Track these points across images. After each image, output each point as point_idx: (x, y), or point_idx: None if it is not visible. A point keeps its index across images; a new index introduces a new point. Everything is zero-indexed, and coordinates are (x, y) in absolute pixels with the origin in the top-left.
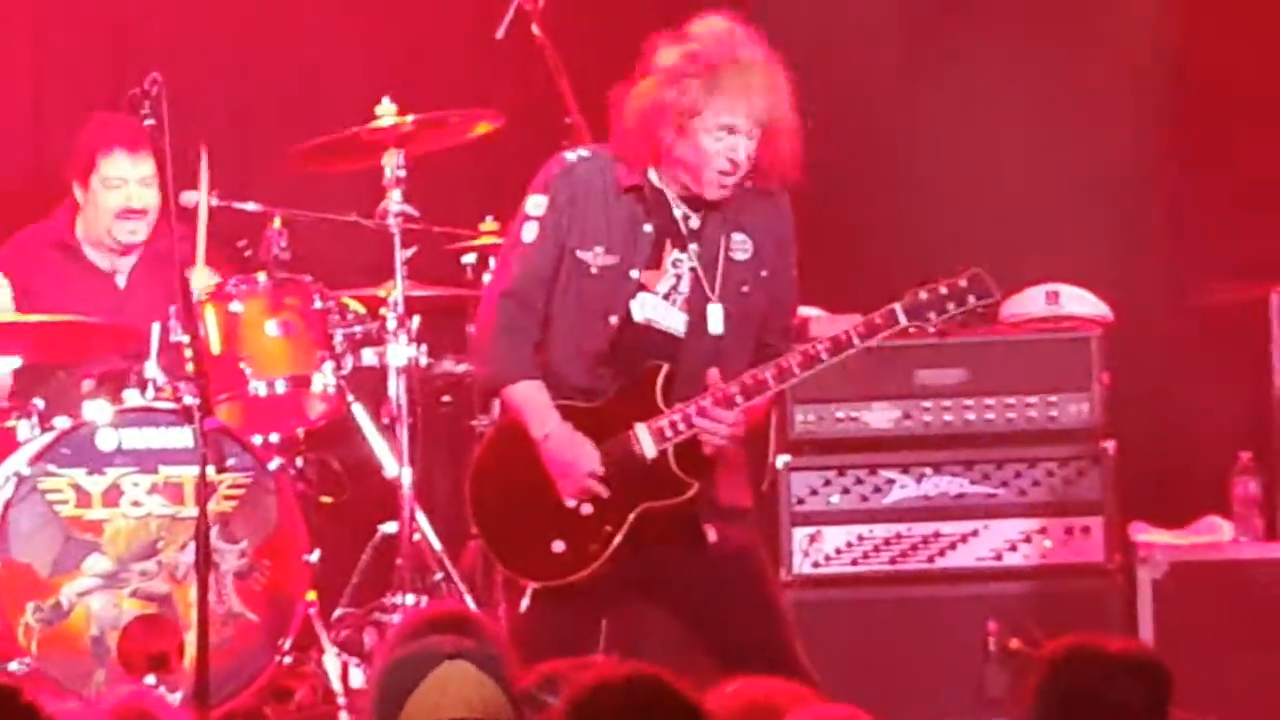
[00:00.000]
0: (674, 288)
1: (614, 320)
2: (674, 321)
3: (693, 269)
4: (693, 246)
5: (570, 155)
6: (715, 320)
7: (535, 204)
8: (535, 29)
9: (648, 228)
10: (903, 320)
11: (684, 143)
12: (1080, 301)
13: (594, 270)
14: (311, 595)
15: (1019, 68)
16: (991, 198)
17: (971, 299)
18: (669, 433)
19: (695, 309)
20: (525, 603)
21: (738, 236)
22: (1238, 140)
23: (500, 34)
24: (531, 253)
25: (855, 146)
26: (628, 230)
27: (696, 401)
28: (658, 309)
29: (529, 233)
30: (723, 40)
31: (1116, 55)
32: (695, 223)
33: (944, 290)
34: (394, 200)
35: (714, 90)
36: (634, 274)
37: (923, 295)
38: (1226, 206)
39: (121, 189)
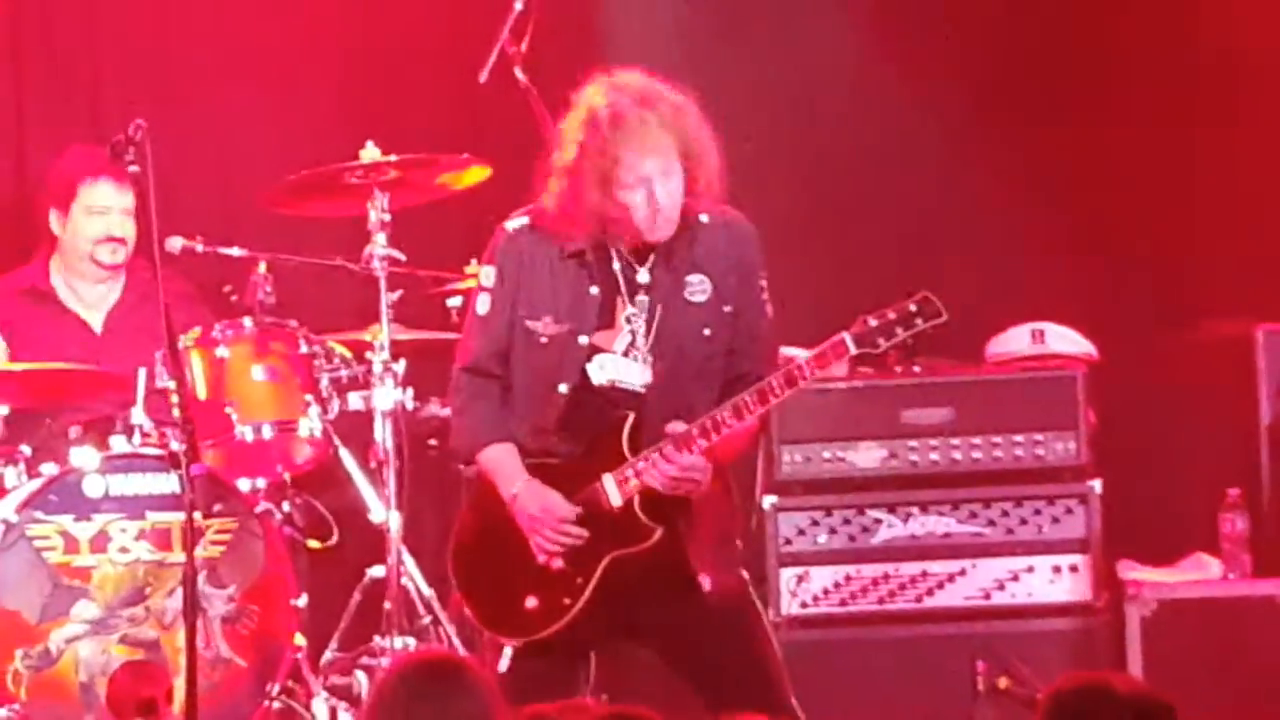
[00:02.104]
0: (631, 344)
1: (563, 388)
2: (635, 376)
3: (646, 320)
4: (641, 299)
5: (511, 225)
6: (675, 369)
7: (486, 275)
8: (519, 73)
9: (594, 290)
10: (852, 348)
11: (609, 202)
12: (1065, 340)
13: (543, 339)
14: (300, 640)
15: (1008, 104)
16: (977, 235)
17: (919, 322)
18: (632, 480)
19: (655, 360)
20: (504, 662)
21: (693, 278)
22: (1225, 177)
23: (483, 78)
24: (487, 325)
25: (844, 187)
26: (574, 295)
27: (658, 448)
28: (618, 367)
29: (482, 305)
30: (625, 89)
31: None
32: (644, 277)
33: (892, 315)
34: (379, 244)
35: (620, 146)
36: (582, 340)
37: (871, 322)
38: (1211, 243)
39: (104, 216)
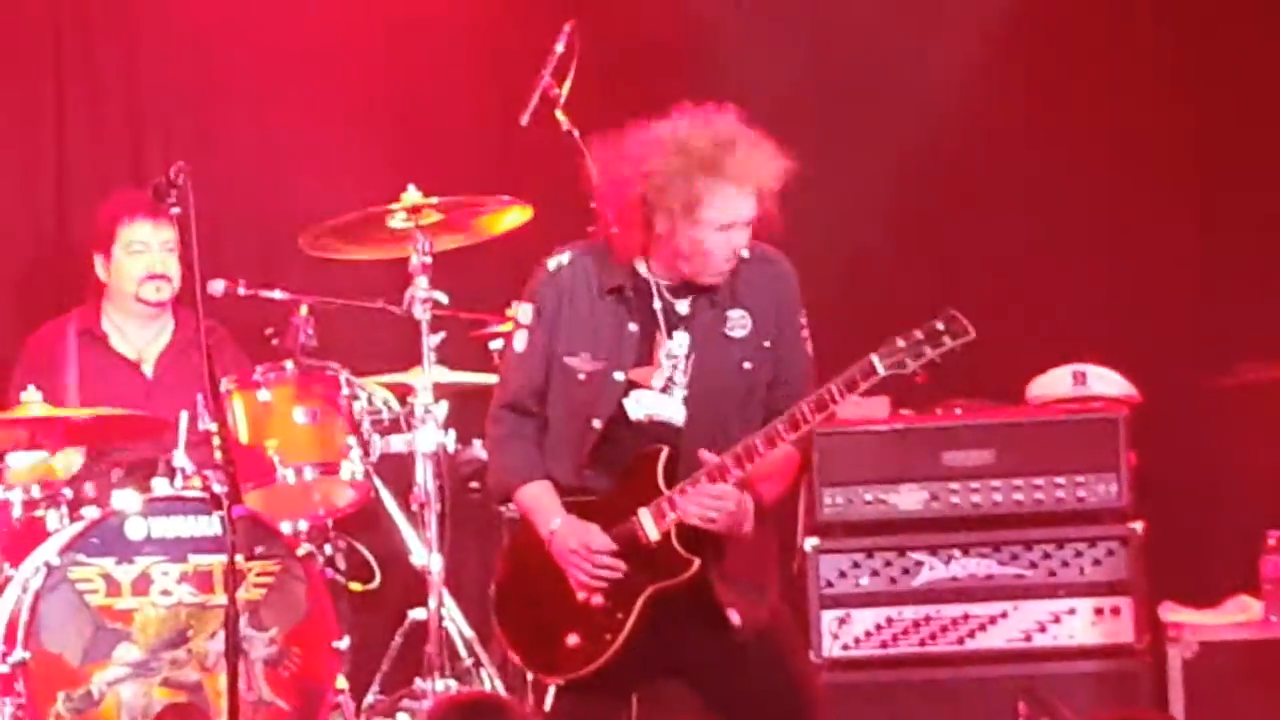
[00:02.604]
0: (670, 379)
1: (596, 424)
2: (673, 412)
3: (686, 356)
4: (680, 334)
5: (552, 262)
6: (714, 404)
7: (524, 313)
8: (560, 115)
9: (632, 326)
10: (881, 370)
11: (683, 238)
12: (1107, 382)
13: (581, 376)
14: (342, 682)
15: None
16: (1019, 276)
17: (947, 340)
18: (669, 513)
19: (693, 395)
20: (550, 701)
21: (734, 313)
22: (1262, 220)
23: (525, 121)
24: (524, 362)
25: (883, 225)
26: (613, 332)
27: (692, 479)
28: (655, 404)
29: (520, 342)
30: (715, 127)
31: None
32: (684, 308)
33: (919, 335)
34: (421, 286)
35: (714, 183)
36: (618, 376)
37: (899, 343)
38: (1252, 285)
39: (145, 254)
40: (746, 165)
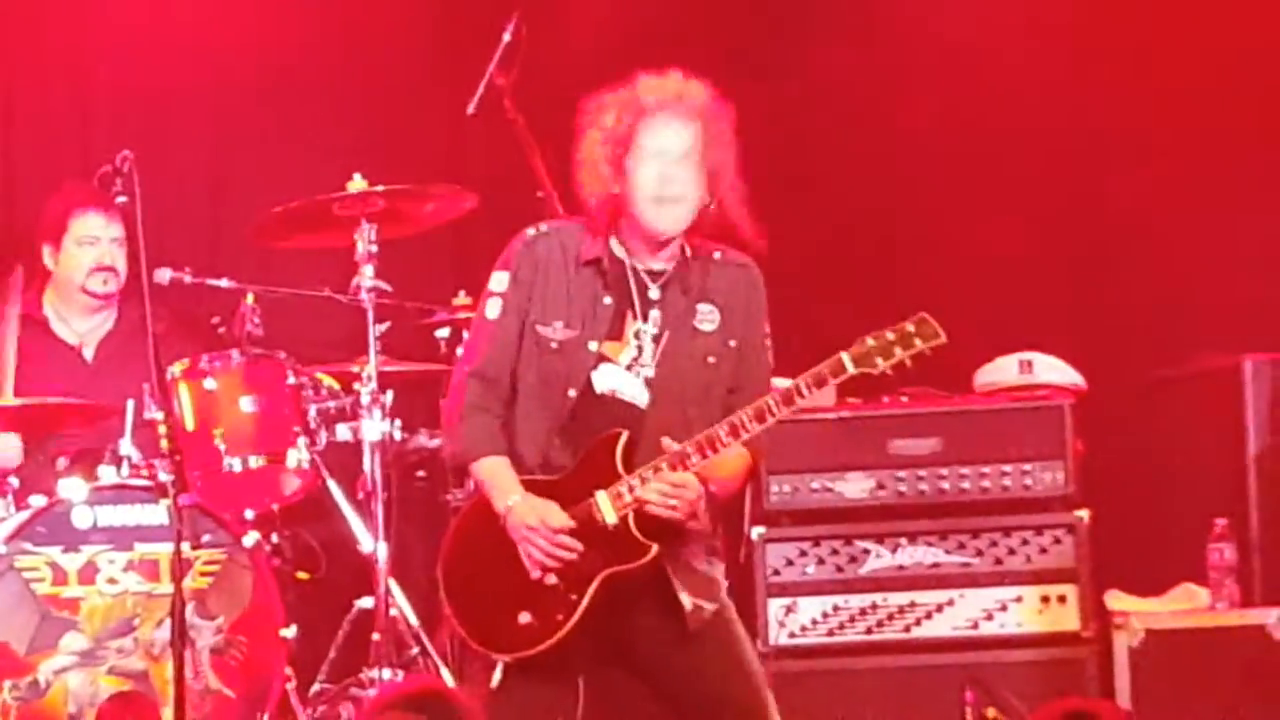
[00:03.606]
0: (635, 359)
1: (572, 393)
2: (635, 392)
3: (654, 338)
4: (654, 314)
5: (530, 231)
6: (676, 391)
7: (498, 280)
8: (507, 105)
9: (607, 299)
10: (850, 368)
11: (625, 181)
12: (1054, 370)
13: (554, 344)
14: (288, 671)
15: (999, 133)
16: (967, 264)
17: (918, 342)
18: (626, 497)
19: (657, 379)
20: (496, 677)
21: (704, 307)
22: (1214, 210)
23: (471, 110)
24: (496, 330)
25: (833, 214)
26: (587, 302)
27: (653, 465)
28: (620, 380)
29: (492, 309)
30: (653, 78)
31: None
32: (655, 293)
33: (891, 336)
34: (367, 276)
35: (642, 116)
36: (593, 346)
37: (869, 342)
38: (1199, 274)
39: (95, 246)
40: (670, 92)
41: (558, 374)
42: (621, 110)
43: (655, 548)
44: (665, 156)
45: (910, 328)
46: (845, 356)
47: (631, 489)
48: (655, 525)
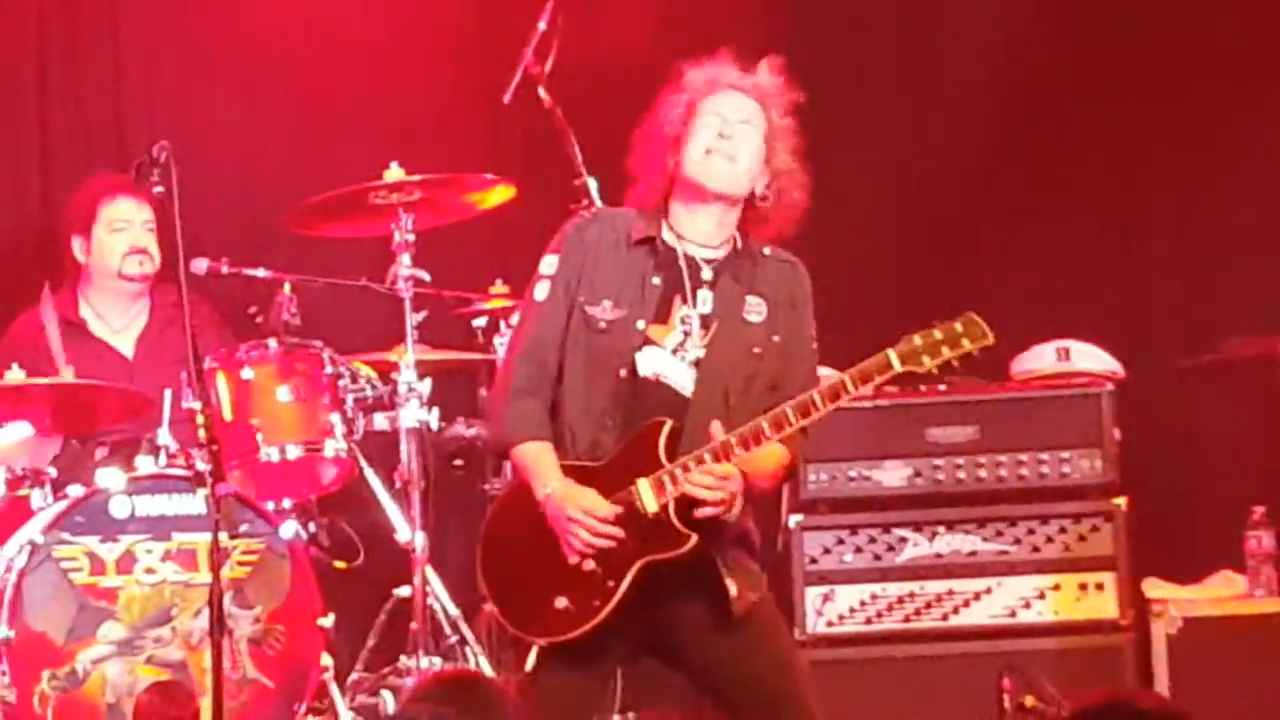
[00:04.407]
0: (681, 343)
1: (623, 373)
2: (681, 377)
3: (703, 324)
4: (703, 299)
5: (584, 215)
6: (720, 380)
7: (548, 263)
8: (542, 93)
9: (656, 280)
10: (897, 366)
11: (680, 150)
12: (1091, 357)
13: (602, 325)
14: (326, 660)
15: (1035, 120)
16: (1003, 252)
17: (966, 343)
18: (668, 486)
19: (703, 366)
20: (531, 661)
21: (752, 299)
22: (1251, 196)
23: (507, 99)
24: (545, 311)
25: (870, 201)
26: (636, 283)
27: (696, 455)
28: (665, 364)
29: (541, 291)
30: (718, 63)
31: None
32: (708, 274)
33: (938, 335)
34: (404, 264)
35: (709, 91)
36: (640, 325)
37: (917, 340)
38: (1236, 261)
39: (127, 230)
40: (741, 75)
41: (607, 354)
42: (684, 90)
43: (695, 537)
44: (723, 117)
45: (958, 327)
46: (892, 354)
47: (674, 478)
48: (694, 516)
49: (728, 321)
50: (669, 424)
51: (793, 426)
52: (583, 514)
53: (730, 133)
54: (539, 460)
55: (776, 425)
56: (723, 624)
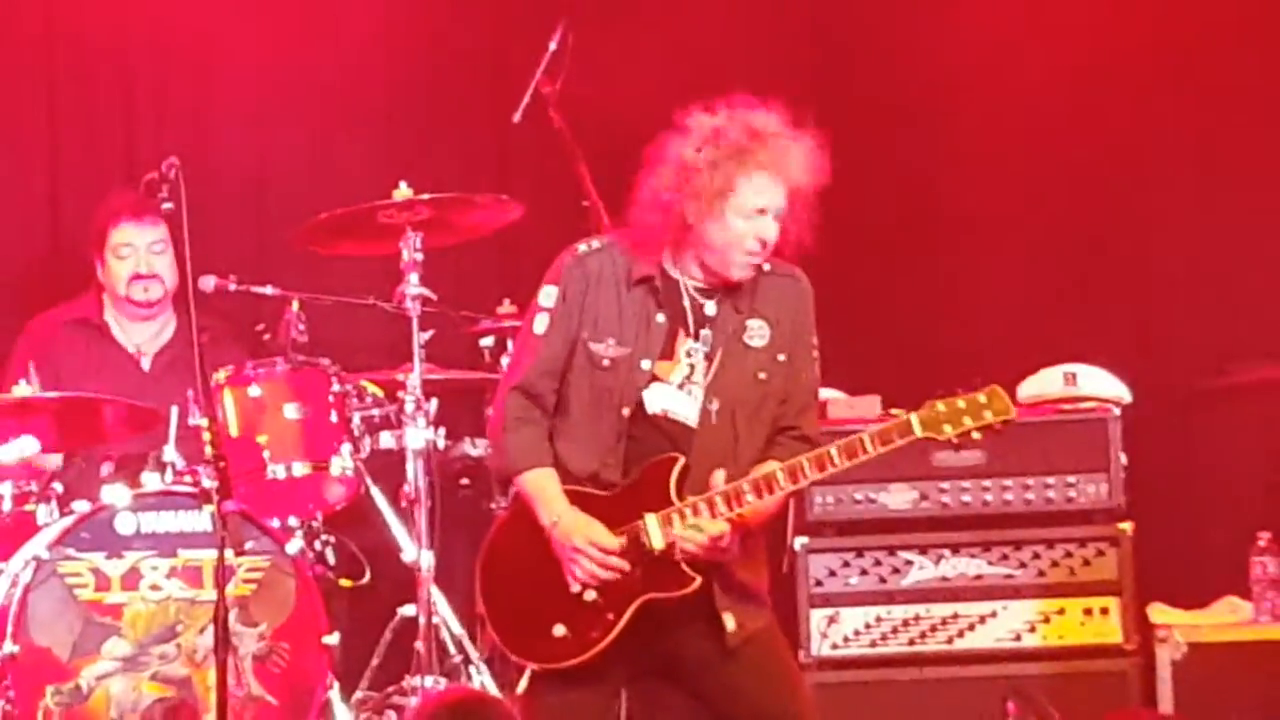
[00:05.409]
0: (688, 377)
1: (626, 412)
2: (688, 411)
3: (707, 356)
4: (705, 333)
5: (582, 247)
6: (728, 409)
7: (546, 295)
8: (552, 113)
9: (660, 318)
10: (918, 432)
11: (714, 225)
12: (1098, 382)
13: (605, 362)
14: (331, 678)
15: (1041, 145)
16: (1010, 276)
17: (988, 415)
18: (676, 525)
19: (709, 398)
20: (523, 684)
21: (754, 323)
22: (1258, 221)
23: (517, 118)
24: (541, 345)
25: (877, 225)
26: (640, 321)
27: (707, 498)
28: (672, 399)
29: (539, 325)
30: (752, 119)
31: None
32: (710, 309)
33: (961, 404)
34: (412, 283)
35: (747, 170)
36: (645, 364)
37: (940, 407)
38: (1243, 287)
39: (131, 257)
40: (779, 155)
41: (610, 391)
42: (726, 150)
43: (698, 580)
44: (764, 217)
45: (982, 399)
46: (914, 419)
47: (682, 516)
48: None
49: (731, 351)
50: (681, 461)
51: (806, 480)
52: (589, 545)
53: (768, 234)
54: (545, 488)
55: (792, 476)
56: (721, 653)
